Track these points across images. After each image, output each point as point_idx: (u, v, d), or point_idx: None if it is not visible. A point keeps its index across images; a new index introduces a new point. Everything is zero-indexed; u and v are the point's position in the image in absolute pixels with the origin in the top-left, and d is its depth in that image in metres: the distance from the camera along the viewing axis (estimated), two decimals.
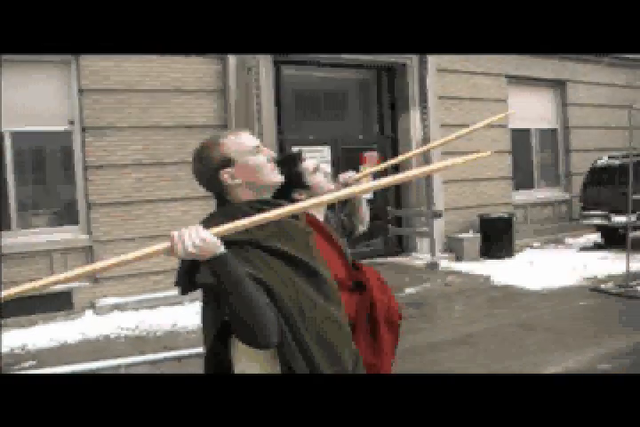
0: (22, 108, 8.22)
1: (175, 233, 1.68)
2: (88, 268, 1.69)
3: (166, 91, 9.01)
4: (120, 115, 8.67)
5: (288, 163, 2.80)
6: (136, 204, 8.76)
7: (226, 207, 1.99)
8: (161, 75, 8.95)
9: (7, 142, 8.20)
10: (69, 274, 1.67)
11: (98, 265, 1.71)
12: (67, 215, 8.72)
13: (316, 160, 2.92)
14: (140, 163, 8.80)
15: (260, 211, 1.87)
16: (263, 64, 9.56)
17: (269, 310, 1.76)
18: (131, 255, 1.69)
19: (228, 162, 1.96)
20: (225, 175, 1.96)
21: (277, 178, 2.05)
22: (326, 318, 1.95)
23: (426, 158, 11.39)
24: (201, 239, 1.66)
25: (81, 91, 8.46)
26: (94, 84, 8.49)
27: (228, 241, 1.77)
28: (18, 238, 8.16)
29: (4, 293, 1.62)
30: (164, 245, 1.69)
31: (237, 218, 1.79)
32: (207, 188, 2.03)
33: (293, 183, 2.74)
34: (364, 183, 1.84)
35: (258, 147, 2.02)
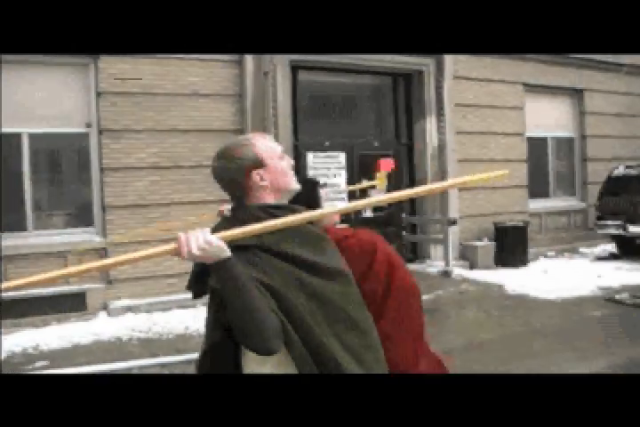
0: (40, 110, 8.28)
1: (182, 235, 1.68)
2: (94, 265, 1.70)
3: (183, 94, 9.05)
4: (137, 117, 8.71)
5: (311, 186, 2.83)
6: (151, 206, 8.79)
7: (240, 211, 1.99)
8: (178, 78, 8.99)
9: (24, 143, 8.26)
10: (71, 270, 1.68)
11: (104, 262, 1.73)
12: (82, 217, 8.76)
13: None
14: (156, 166, 8.84)
15: (273, 216, 1.87)
16: (280, 69, 9.59)
17: (272, 317, 1.75)
18: (138, 254, 1.70)
19: (259, 163, 1.97)
20: (255, 176, 1.96)
21: (297, 186, 2.07)
22: (346, 321, 1.94)
23: (442, 169, 11.37)
24: (206, 242, 1.66)
25: (99, 93, 8.51)
26: (112, 86, 8.54)
27: (237, 245, 1.77)
28: (33, 239, 8.22)
29: (5, 284, 1.62)
30: (171, 246, 1.70)
31: (250, 222, 1.78)
32: (228, 188, 2.02)
33: (311, 206, 2.77)
34: (381, 195, 1.88)
35: (282, 153, 2.04)
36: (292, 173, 2.06)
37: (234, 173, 1.97)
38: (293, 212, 1.91)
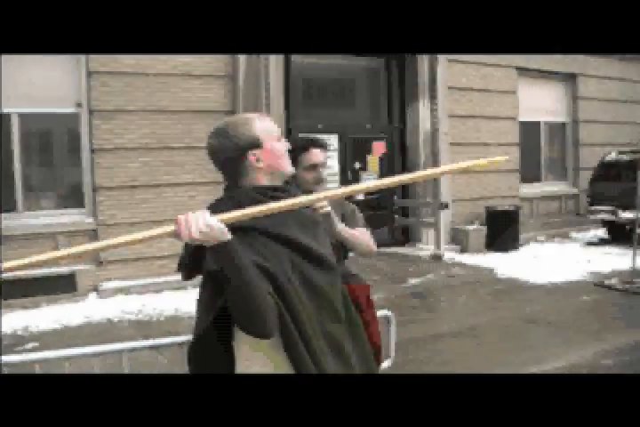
0: (30, 90, 8.19)
1: (181, 217, 1.65)
2: (90, 246, 1.68)
3: (175, 75, 8.97)
4: (128, 98, 8.63)
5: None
6: (142, 188, 8.75)
7: (235, 192, 1.96)
8: (170, 59, 8.88)
9: (14, 124, 8.17)
10: (70, 251, 1.65)
11: (101, 244, 1.70)
12: (72, 198, 8.71)
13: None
14: (147, 147, 8.78)
15: (269, 198, 1.85)
16: None
17: (270, 300, 1.74)
18: (135, 236, 1.67)
19: (257, 143, 1.93)
20: (251, 157, 1.92)
21: (292, 169, 2.05)
22: (330, 311, 1.94)
23: (434, 153, 11.34)
24: (207, 225, 1.64)
25: (89, 73, 8.42)
26: (103, 66, 8.45)
27: (233, 227, 1.75)
28: (23, 220, 8.17)
29: (6, 264, 1.60)
30: (170, 228, 1.67)
31: (246, 204, 1.77)
32: (224, 167, 1.98)
33: None
34: (385, 179, 1.88)
35: (280, 135, 2.01)
36: (287, 155, 2.03)
37: (230, 152, 1.93)
38: (291, 194, 1.89)
